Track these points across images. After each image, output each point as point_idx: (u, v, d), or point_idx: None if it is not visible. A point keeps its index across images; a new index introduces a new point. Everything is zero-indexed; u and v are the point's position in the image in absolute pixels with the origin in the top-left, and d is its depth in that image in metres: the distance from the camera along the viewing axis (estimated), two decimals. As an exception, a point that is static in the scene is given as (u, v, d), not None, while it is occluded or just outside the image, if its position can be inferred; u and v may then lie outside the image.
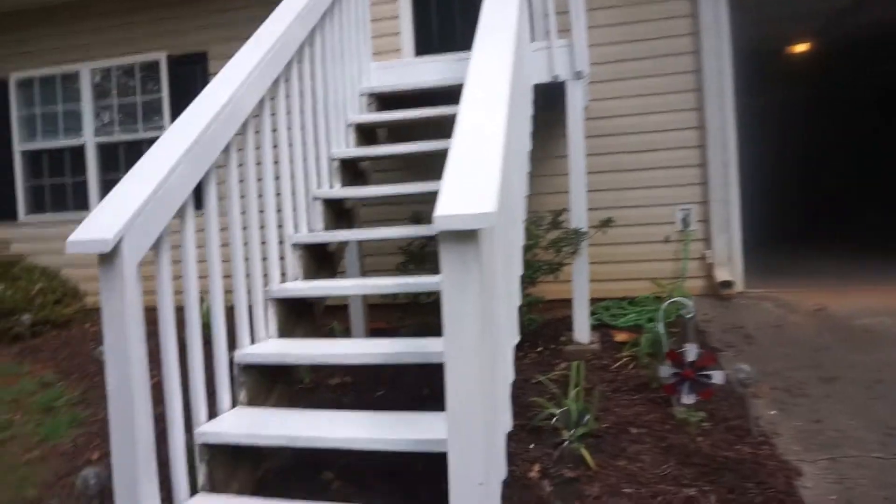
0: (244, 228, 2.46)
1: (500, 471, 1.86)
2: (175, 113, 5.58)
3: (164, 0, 5.61)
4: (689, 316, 3.23)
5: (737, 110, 4.66)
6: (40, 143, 6.00)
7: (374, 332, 4.41)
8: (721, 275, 4.61)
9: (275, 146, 2.77)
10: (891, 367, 3.20)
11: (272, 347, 2.44)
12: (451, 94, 3.87)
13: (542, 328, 4.23)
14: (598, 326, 4.22)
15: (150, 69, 5.67)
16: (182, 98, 5.49)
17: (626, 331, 4.15)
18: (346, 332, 4.37)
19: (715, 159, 4.63)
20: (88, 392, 3.78)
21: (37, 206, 6.07)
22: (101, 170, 5.86)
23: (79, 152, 5.88)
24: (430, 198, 3.86)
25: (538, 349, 3.90)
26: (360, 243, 4.27)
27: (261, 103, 2.57)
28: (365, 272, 4.35)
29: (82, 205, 5.85)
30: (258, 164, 2.60)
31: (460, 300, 1.54)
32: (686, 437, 2.66)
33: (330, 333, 4.29)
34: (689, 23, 4.64)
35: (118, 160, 5.80)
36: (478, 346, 1.52)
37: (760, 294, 4.64)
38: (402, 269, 3.89)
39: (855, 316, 4.01)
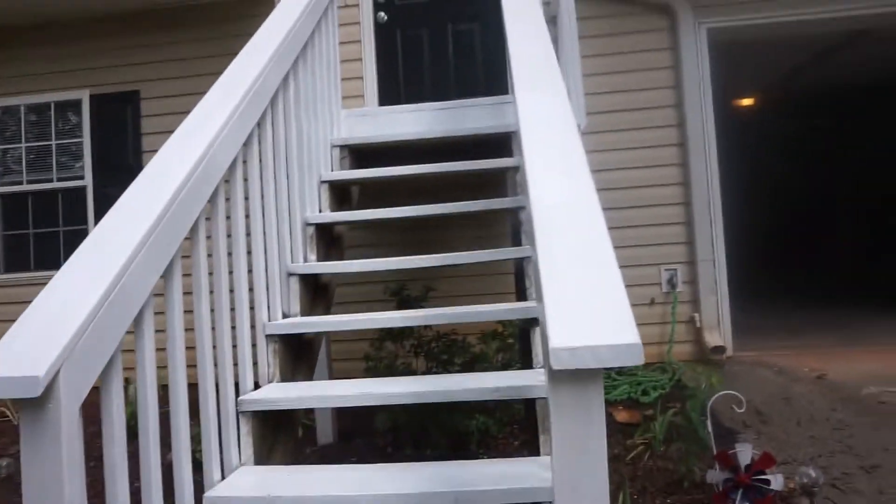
0: (212, 327, 1.89)
1: None
2: (98, 159, 4.86)
3: (86, 32, 4.93)
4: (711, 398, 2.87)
5: (721, 166, 4.48)
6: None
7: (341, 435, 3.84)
8: (712, 339, 4.35)
9: (247, 215, 2.22)
10: (927, 450, 2.95)
11: (247, 482, 1.86)
12: (436, 149, 3.47)
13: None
14: (593, 402, 3.81)
15: (69, 109, 4.94)
16: (106, 142, 4.80)
17: (623, 408, 3.77)
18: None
19: (701, 217, 4.41)
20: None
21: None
22: (4, 224, 5.01)
23: (-24, 203, 5.03)
24: (417, 273, 3.38)
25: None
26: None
27: (233, 162, 2.04)
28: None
29: (-22, 266, 4.97)
30: (228, 236, 2.06)
31: (579, 465, 1.07)
32: (747, 557, 2.26)
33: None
34: (672, 75, 4.46)
35: (26, 214, 4.98)
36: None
37: (753, 358, 4.40)
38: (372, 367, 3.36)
39: (860, 384, 3.80)
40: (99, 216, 4.79)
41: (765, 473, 2.34)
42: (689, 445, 2.97)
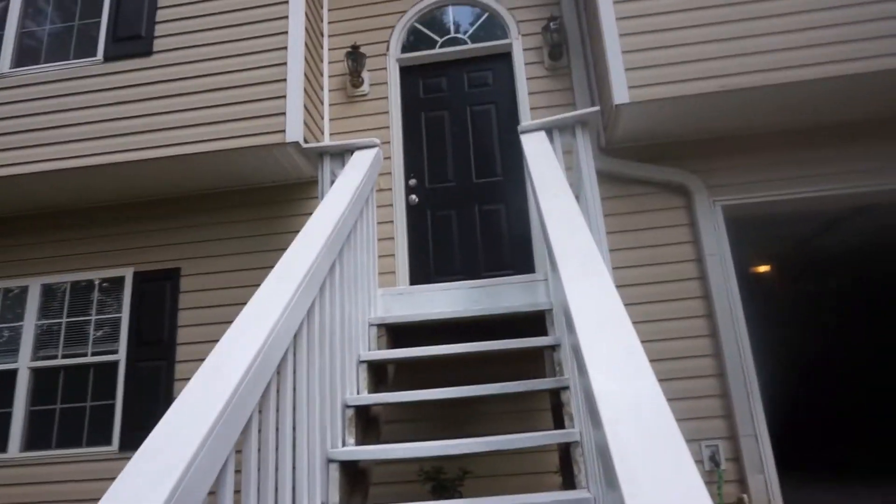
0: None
1: None
2: (134, 334, 4.97)
3: (134, 214, 5.30)
4: None
5: (750, 334, 4.48)
6: (-38, 368, 5.17)
7: None
8: (765, 523, 4.05)
9: (293, 404, 2.23)
10: None
11: None
12: (470, 326, 3.53)
13: None
14: None
15: (112, 285, 5.16)
16: (144, 317, 4.94)
17: None
18: None
19: (737, 388, 4.32)
20: None
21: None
22: (32, 399, 5.01)
23: (8, 378, 5.06)
24: (455, 459, 3.28)
25: None
26: None
27: (284, 354, 2.09)
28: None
29: None
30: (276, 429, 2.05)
31: None
32: None
33: None
34: (692, 249, 4.62)
35: (56, 389, 5.00)
36: None
37: (812, 545, 4.06)
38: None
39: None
40: (127, 391, 4.82)
41: None
42: None
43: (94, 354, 5.03)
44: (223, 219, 5.20)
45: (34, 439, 4.88)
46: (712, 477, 4.21)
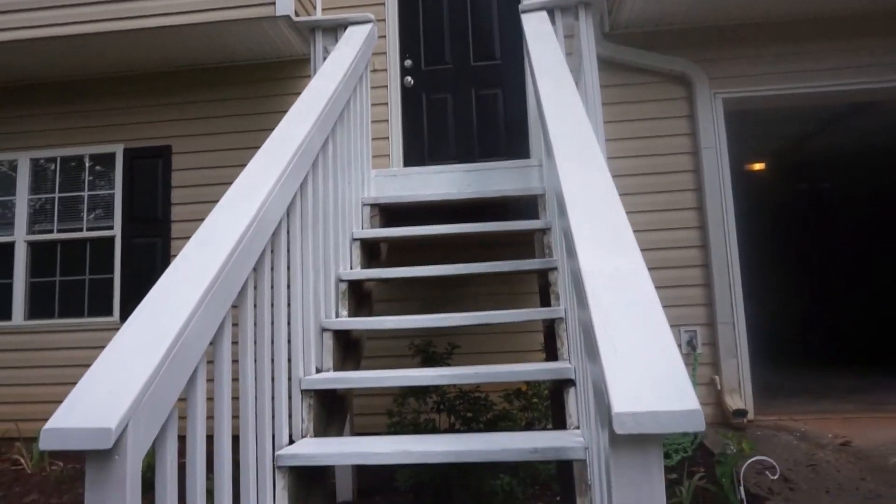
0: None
1: None
2: (128, 210, 4.99)
3: (125, 89, 5.16)
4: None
5: (738, 228, 4.55)
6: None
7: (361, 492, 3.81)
8: (733, 402, 4.32)
9: (288, 273, 2.29)
10: (961, 523, 2.90)
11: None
12: (462, 208, 3.57)
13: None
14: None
15: (104, 162, 5.11)
16: (137, 194, 4.95)
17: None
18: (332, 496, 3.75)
19: (720, 279, 4.45)
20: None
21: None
22: (31, 272, 5.11)
23: (6, 251, 5.13)
24: (442, 330, 3.43)
25: None
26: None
27: (278, 225, 2.12)
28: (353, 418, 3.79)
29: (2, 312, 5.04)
30: (272, 302, 2.12)
31: (638, 529, 1.09)
32: None
33: None
34: (689, 141, 4.59)
35: (54, 262, 5.08)
36: None
37: (773, 423, 4.35)
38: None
39: (886, 452, 3.74)
40: (125, 265, 4.91)
41: (799, 543, 2.31)
42: (716, 513, 2.93)
43: (89, 230, 5.08)
44: (214, 96, 5.07)
45: (37, 309, 5.03)
46: (688, 360, 4.43)
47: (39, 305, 5.04)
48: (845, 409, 4.63)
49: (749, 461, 2.64)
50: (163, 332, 1.43)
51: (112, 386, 1.30)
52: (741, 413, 4.27)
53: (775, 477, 2.64)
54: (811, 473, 3.57)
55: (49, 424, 1.24)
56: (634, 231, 4.50)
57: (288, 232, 2.26)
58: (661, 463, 1.10)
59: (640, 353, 1.19)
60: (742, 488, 2.60)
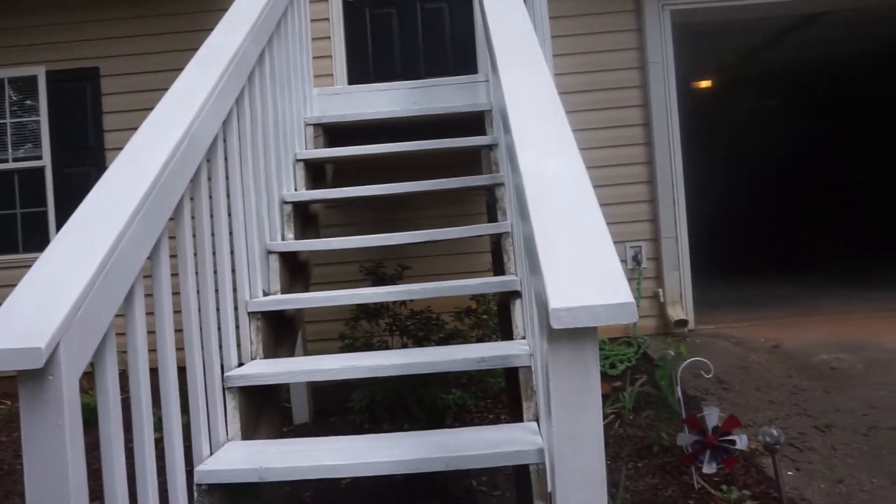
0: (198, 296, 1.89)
1: None
2: (57, 139, 4.71)
3: (42, 5, 4.74)
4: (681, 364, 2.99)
5: (684, 145, 4.62)
6: None
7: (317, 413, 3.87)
8: (675, 313, 4.51)
9: (227, 194, 2.21)
10: (875, 411, 3.15)
11: (236, 455, 1.88)
12: (409, 127, 3.49)
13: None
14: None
15: (25, 86, 4.77)
16: (65, 121, 4.67)
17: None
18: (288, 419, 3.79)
19: (664, 195, 4.55)
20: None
21: None
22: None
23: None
24: (392, 253, 3.41)
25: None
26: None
27: (214, 140, 2.03)
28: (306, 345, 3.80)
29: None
30: (210, 215, 2.05)
31: (577, 418, 1.13)
32: (715, 514, 2.39)
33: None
34: (637, 56, 4.56)
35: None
36: (600, 468, 1.13)
37: (711, 331, 4.58)
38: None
39: (812, 352, 4.01)
40: (59, 197, 4.68)
41: (731, 434, 2.47)
42: (658, 412, 3.10)
43: (15, 160, 4.79)
44: (144, 13, 4.72)
45: (-35, 246, 4.79)
46: (633, 274, 4.57)
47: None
48: (778, 315, 4.90)
49: (685, 362, 2.78)
50: (94, 246, 1.37)
51: (40, 305, 1.25)
52: (682, 323, 4.47)
53: (710, 376, 2.79)
54: (743, 374, 3.80)
55: (-27, 346, 1.19)
56: (581, 149, 4.49)
57: (225, 149, 2.17)
58: (597, 356, 1.14)
59: (577, 253, 1.20)
60: (679, 388, 2.75)
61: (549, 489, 1.54)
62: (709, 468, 2.48)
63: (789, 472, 2.64)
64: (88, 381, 1.64)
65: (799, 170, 9.15)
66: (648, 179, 4.58)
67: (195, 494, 1.77)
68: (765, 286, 6.40)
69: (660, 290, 4.57)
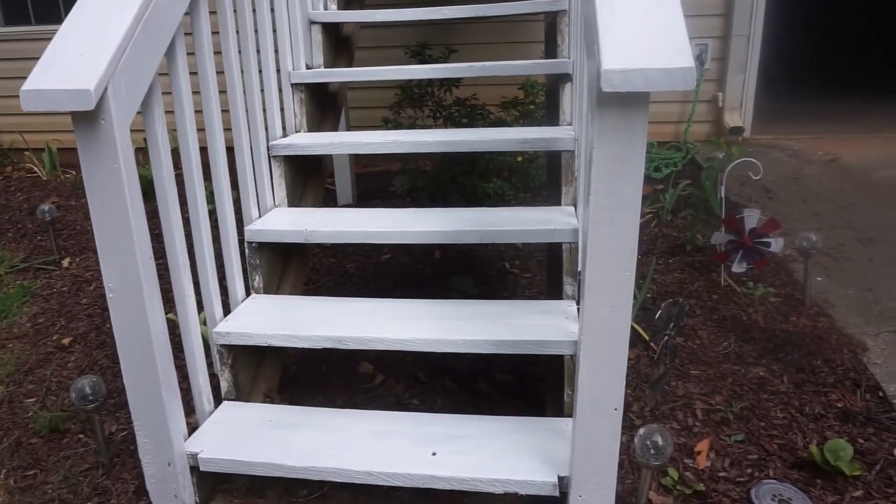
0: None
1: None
2: None
3: None
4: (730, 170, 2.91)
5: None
6: None
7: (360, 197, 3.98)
8: (731, 120, 4.30)
9: (267, -51, 2.06)
10: (924, 228, 3.09)
11: (283, 219, 1.98)
12: None
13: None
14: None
15: None
16: None
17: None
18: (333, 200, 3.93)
19: (743, -14, 4.09)
20: (33, 257, 3.23)
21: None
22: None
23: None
24: (438, 38, 3.17)
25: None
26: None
27: None
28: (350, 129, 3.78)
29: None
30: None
31: (616, 189, 1.13)
32: (737, 308, 2.48)
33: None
34: None
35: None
36: (633, 241, 1.15)
37: (769, 141, 4.39)
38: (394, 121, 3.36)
39: (872, 168, 3.84)
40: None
41: (767, 237, 2.48)
42: (697, 213, 3.10)
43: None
44: None
45: (11, 15, 4.73)
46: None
47: (14, 12, 4.72)
48: (843, 130, 4.62)
49: (734, 163, 2.70)
50: (128, -3, 1.32)
51: (84, 49, 1.24)
52: (737, 130, 4.28)
53: (758, 177, 2.72)
54: (793, 185, 3.70)
55: (26, 86, 1.21)
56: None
57: None
58: (646, 125, 1.10)
59: (639, 13, 1.11)
60: (723, 188, 2.70)
61: (580, 268, 1.60)
62: (738, 267, 2.52)
63: (818, 278, 2.68)
64: (144, 157, 1.69)
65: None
66: (727, -33, 4.09)
67: (246, 252, 1.90)
68: (837, 101, 5.92)
69: (720, 93, 4.31)
